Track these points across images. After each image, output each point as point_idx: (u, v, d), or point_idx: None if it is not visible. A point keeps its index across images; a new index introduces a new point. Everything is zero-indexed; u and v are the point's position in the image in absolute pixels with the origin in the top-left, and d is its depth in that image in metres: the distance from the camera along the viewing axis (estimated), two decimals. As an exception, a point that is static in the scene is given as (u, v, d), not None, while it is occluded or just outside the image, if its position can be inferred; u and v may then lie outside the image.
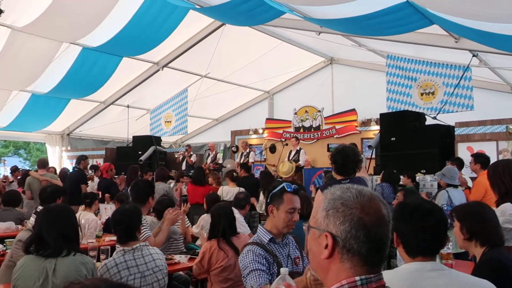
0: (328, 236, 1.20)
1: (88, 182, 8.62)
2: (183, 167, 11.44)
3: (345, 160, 3.57)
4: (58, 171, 9.60)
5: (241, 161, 10.96)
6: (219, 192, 7.89)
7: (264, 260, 2.53)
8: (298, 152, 10.12)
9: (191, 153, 11.85)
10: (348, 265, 1.19)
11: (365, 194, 1.23)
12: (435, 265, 1.88)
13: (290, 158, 9.98)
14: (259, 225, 2.78)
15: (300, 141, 10.91)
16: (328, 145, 10.64)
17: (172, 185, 8.65)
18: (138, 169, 8.17)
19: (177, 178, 8.61)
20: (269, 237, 2.63)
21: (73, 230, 2.80)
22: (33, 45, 8.25)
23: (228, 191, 7.50)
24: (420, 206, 1.99)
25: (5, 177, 10.18)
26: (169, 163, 12.10)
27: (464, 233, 2.39)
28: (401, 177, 7.13)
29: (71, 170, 9.79)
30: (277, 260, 2.54)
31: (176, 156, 12.11)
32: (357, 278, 1.16)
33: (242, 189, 7.29)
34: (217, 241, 3.79)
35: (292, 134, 11.30)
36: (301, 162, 9.81)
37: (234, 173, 7.90)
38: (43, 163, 8.10)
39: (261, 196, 6.89)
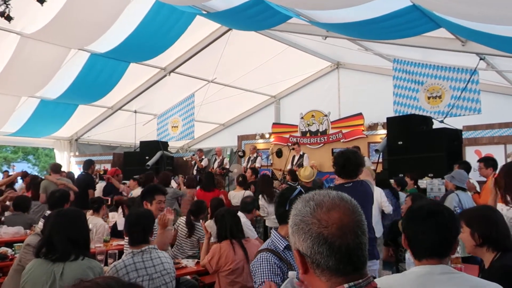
0: (297, 253, 1.21)
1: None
2: (194, 171, 11.47)
3: (346, 163, 3.57)
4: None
5: (248, 165, 10.96)
6: (228, 197, 7.91)
7: (278, 269, 2.51)
8: (301, 156, 10.10)
9: (203, 157, 11.88)
10: (324, 279, 1.17)
11: (324, 204, 1.19)
12: (444, 268, 1.84)
13: (294, 163, 9.96)
14: (272, 230, 2.75)
15: (305, 145, 10.90)
16: (332, 149, 10.64)
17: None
18: (153, 176, 8.21)
19: (188, 184, 8.57)
20: (285, 244, 2.59)
21: (83, 235, 2.82)
22: (42, 51, 8.34)
23: (234, 195, 7.49)
24: (423, 207, 1.97)
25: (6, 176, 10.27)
26: (176, 168, 12.13)
27: (476, 239, 2.31)
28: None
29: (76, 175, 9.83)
30: (292, 269, 2.49)
31: (185, 159, 12.15)
32: (346, 286, 1.14)
33: (248, 193, 7.30)
34: (229, 242, 3.82)
35: (297, 139, 11.29)
36: (305, 167, 9.78)
37: (240, 178, 7.90)
38: (57, 168, 8.05)
39: (261, 201, 6.82)
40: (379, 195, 5.66)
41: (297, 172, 7.80)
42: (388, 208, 5.75)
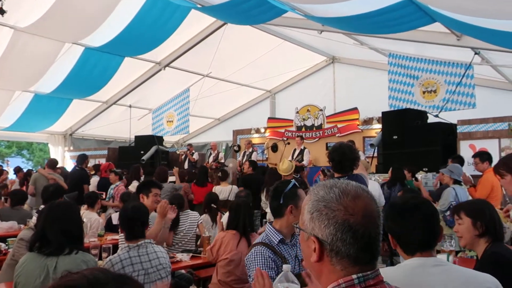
0: (315, 240, 1.18)
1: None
2: (186, 165, 11.45)
3: (342, 158, 3.55)
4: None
5: (244, 160, 10.95)
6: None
7: (273, 263, 2.50)
8: (302, 151, 10.01)
9: (193, 151, 11.87)
10: (339, 267, 1.16)
11: (349, 192, 1.19)
12: (437, 260, 1.86)
13: (294, 157, 9.89)
14: (267, 224, 2.74)
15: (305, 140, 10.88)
16: (326, 144, 10.62)
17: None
18: (140, 169, 8.19)
19: (182, 178, 8.53)
20: (279, 238, 2.59)
21: (76, 228, 2.79)
22: (36, 45, 8.27)
23: (220, 190, 7.47)
24: (406, 203, 1.98)
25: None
26: (171, 162, 12.10)
27: (478, 227, 2.35)
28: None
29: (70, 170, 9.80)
30: (286, 263, 2.49)
31: (178, 153, 12.14)
32: (354, 276, 1.15)
33: (235, 187, 7.31)
34: (236, 233, 3.84)
35: (296, 134, 11.29)
36: (304, 162, 9.73)
37: (220, 173, 7.95)
38: (53, 163, 8.07)
39: (263, 196, 6.79)
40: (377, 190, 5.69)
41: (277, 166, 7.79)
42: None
